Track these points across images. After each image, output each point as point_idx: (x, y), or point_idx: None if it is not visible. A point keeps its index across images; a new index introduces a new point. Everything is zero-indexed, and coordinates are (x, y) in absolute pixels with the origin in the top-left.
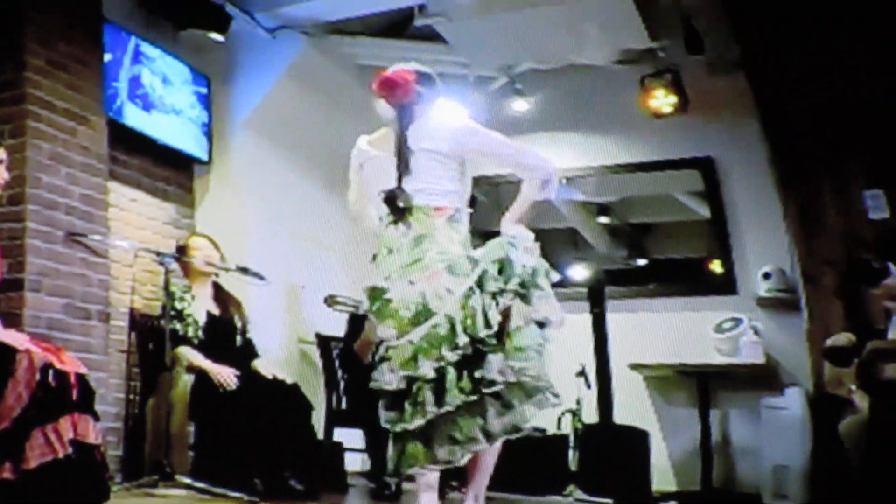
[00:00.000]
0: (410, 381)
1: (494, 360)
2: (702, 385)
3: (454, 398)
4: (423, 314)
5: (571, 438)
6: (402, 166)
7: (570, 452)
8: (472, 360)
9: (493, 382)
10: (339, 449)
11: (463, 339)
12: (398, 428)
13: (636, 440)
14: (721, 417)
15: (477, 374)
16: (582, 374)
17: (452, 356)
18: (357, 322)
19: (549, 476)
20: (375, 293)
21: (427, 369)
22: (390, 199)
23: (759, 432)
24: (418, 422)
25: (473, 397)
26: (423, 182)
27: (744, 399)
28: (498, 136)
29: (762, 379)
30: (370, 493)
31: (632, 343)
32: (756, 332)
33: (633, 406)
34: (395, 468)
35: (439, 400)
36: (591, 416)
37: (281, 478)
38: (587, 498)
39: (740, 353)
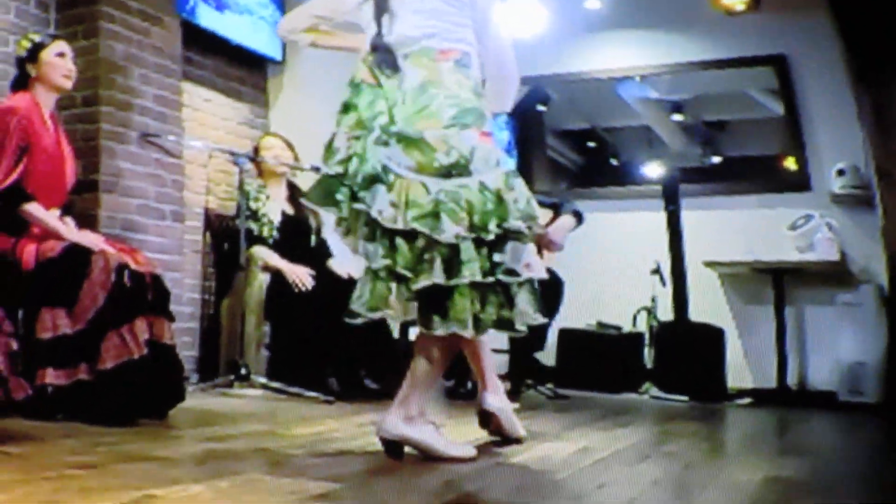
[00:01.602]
0: (417, 235)
1: (522, 250)
2: (777, 282)
3: (468, 275)
4: (455, 166)
5: (647, 336)
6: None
7: (646, 350)
8: (494, 241)
9: (513, 273)
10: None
11: (495, 222)
12: (381, 265)
13: (711, 337)
14: (796, 314)
15: (497, 258)
16: (657, 271)
17: (489, 232)
18: None
19: (625, 374)
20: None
21: (449, 235)
22: (378, 46)
23: (833, 329)
24: (424, 283)
25: (490, 279)
26: (423, 22)
27: (819, 296)
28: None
29: (837, 276)
30: (445, 392)
31: (706, 240)
32: (830, 229)
33: (708, 303)
34: (363, 307)
35: (450, 271)
36: (666, 313)
37: (356, 377)
38: (663, 395)
39: (815, 250)
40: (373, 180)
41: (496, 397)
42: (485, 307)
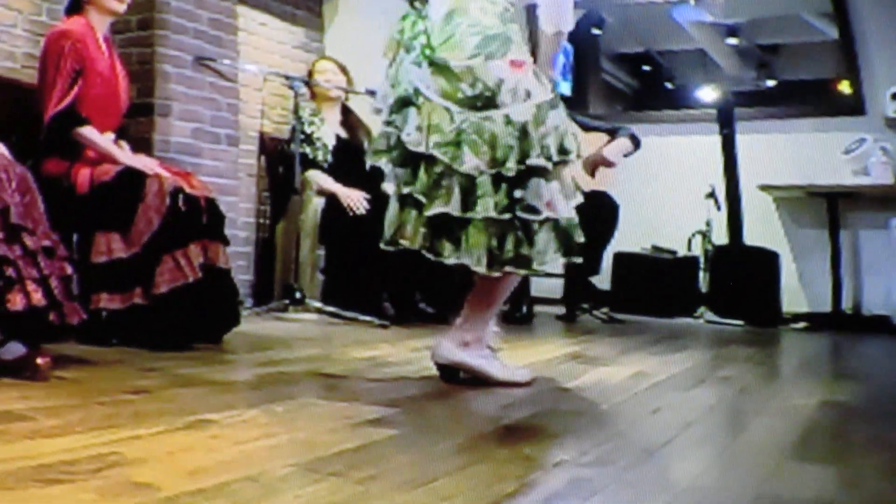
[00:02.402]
0: (437, 160)
1: (545, 187)
2: (831, 206)
3: (481, 210)
4: (480, 98)
5: (702, 260)
6: None
7: (701, 274)
8: (516, 177)
9: (534, 210)
10: (470, 273)
11: (515, 158)
12: (405, 191)
13: (766, 261)
14: (851, 238)
15: (517, 194)
16: (711, 195)
17: (508, 168)
18: None
19: (680, 298)
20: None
21: (469, 166)
22: None
23: (888, 253)
24: (436, 210)
25: (506, 216)
26: None
27: (873, 220)
28: None
29: (891, 199)
30: (501, 317)
31: (761, 164)
32: (885, 153)
33: (763, 227)
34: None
35: (466, 203)
36: (721, 237)
37: (411, 301)
38: (718, 320)
39: (869, 174)
40: (404, 103)
41: (452, 348)
42: (503, 244)
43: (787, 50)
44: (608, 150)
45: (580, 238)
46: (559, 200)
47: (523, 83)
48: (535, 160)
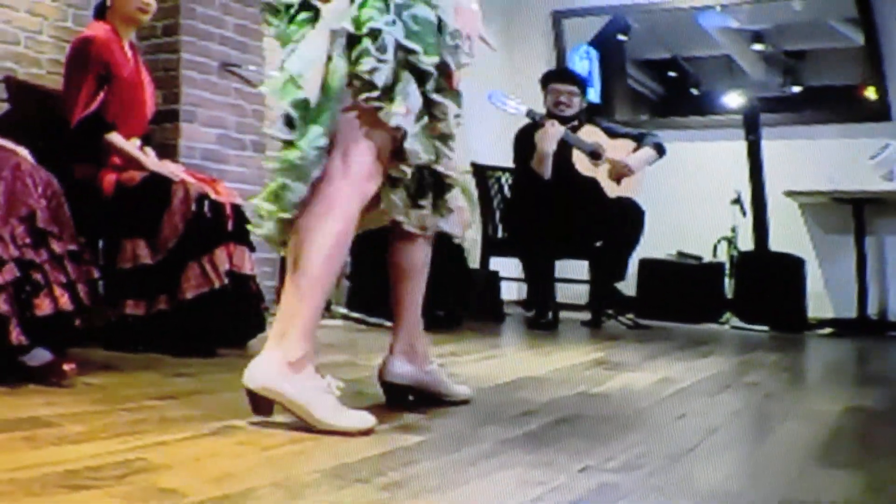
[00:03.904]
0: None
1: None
2: (857, 212)
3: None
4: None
5: (727, 266)
6: None
7: (726, 280)
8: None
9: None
10: (495, 278)
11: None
12: None
13: (792, 267)
14: (876, 244)
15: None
16: (737, 201)
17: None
18: (525, 137)
19: (705, 304)
20: None
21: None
22: None
23: None
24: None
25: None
26: None
27: None
28: None
29: None
30: (526, 322)
31: (787, 170)
32: None
33: (789, 233)
34: None
35: None
36: (746, 243)
37: (427, 306)
38: (743, 325)
39: (895, 180)
40: None
41: (404, 364)
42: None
43: (812, 56)
44: (632, 159)
45: None
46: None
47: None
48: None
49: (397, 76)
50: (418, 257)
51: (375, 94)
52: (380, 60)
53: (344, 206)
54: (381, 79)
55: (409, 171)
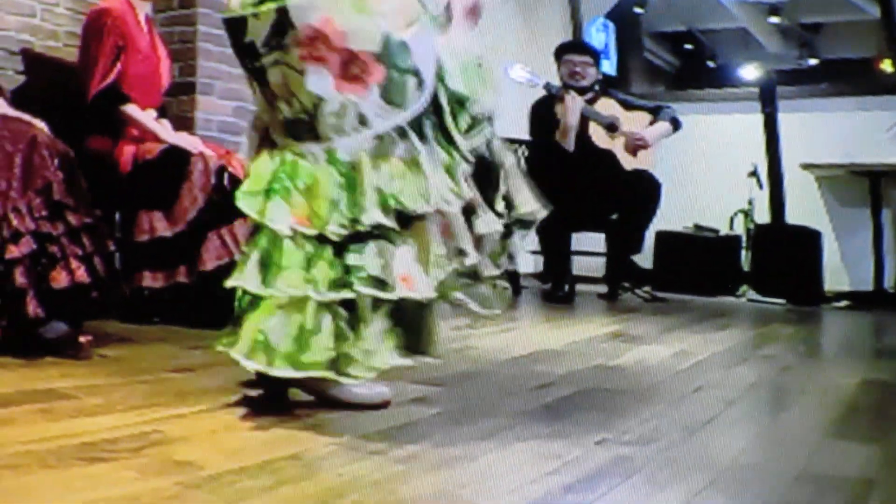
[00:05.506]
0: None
1: (394, 253)
2: (874, 184)
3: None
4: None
5: (744, 239)
6: None
7: (743, 253)
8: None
9: (382, 284)
10: None
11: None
12: None
13: (808, 240)
14: (893, 216)
15: (351, 261)
16: (754, 174)
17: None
18: (543, 109)
19: (722, 277)
20: None
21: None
22: None
23: None
24: (232, 282)
25: (329, 295)
26: None
27: None
28: None
29: None
30: (543, 295)
31: (803, 143)
32: None
33: (806, 206)
34: None
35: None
36: (763, 216)
37: None
38: (760, 298)
39: None
40: None
41: None
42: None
43: (829, 28)
44: (648, 133)
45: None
46: (416, 274)
47: (358, 105)
48: (374, 215)
49: None
50: None
51: None
52: None
53: None
54: None
55: None
